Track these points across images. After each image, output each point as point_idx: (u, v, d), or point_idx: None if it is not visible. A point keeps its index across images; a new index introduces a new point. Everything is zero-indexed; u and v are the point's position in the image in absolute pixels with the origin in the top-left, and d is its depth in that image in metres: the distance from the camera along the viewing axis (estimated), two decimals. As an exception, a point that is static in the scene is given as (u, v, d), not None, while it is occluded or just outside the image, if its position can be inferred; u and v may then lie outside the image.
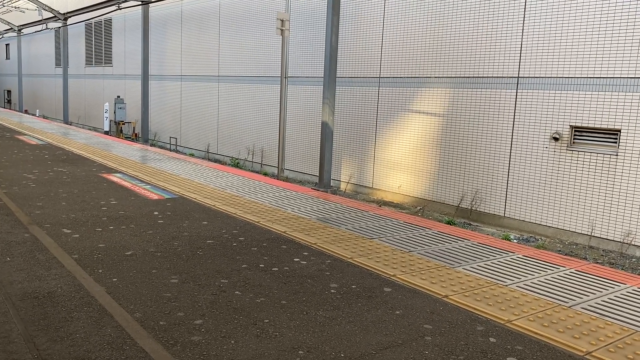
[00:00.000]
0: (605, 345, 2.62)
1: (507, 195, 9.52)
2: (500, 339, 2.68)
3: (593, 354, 2.54)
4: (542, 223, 9.04)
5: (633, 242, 8.05)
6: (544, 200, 9.00)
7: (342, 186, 12.37)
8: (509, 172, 9.49)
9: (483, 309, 3.00)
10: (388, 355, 2.48)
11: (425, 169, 10.72)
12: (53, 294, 3.04)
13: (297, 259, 3.80)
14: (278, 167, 13.02)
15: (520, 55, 9.19)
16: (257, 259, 3.77)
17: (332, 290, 3.24)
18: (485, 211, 9.82)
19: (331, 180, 11.91)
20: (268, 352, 2.47)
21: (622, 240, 8.15)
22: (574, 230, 8.68)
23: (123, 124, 19.97)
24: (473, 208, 9.97)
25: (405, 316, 2.91)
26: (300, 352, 2.48)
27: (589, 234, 8.49)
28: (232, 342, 2.56)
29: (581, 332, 2.76)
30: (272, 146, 14.37)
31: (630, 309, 3.09)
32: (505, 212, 9.58)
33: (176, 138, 18.65)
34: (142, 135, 19.34)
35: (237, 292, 3.17)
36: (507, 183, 9.50)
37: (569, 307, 3.09)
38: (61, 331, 2.60)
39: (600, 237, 8.40)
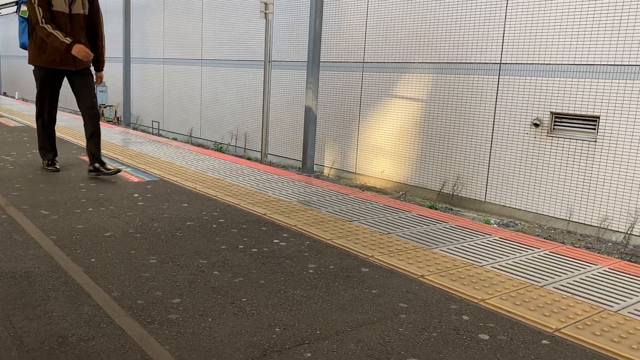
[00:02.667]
0: (574, 323, 2.70)
1: (488, 181, 9.63)
2: (473, 316, 2.74)
3: (562, 330, 2.61)
4: (522, 208, 9.17)
5: (609, 227, 8.21)
6: (524, 186, 9.13)
7: (326, 171, 12.40)
8: (490, 157, 9.59)
9: (458, 289, 3.06)
10: (363, 332, 2.53)
11: (408, 155, 10.79)
12: (30, 274, 3.03)
13: (277, 241, 3.83)
14: (261, 152, 13.01)
15: (503, 42, 9.24)
16: (237, 240, 3.79)
17: (310, 271, 3.28)
18: (467, 196, 9.93)
19: (314, 166, 11.94)
20: (245, 330, 2.50)
21: (599, 225, 8.31)
22: (552, 215, 8.83)
23: (105, 107, 19.74)
24: (454, 193, 10.07)
25: (381, 295, 2.96)
26: (276, 329, 2.52)
27: (568, 219, 8.64)
28: (210, 320, 2.58)
29: (551, 310, 2.83)
30: (256, 131, 14.34)
31: (600, 289, 3.18)
32: (486, 197, 9.70)
33: (159, 122, 18.51)
34: (124, 119, 19.15)
35: (215, 272, 3.19)
36: (488, 169, 9.61)
37: (541, 286, 3.17)
38: (38, 310, 2.60)
39: (578, 222, 8.55)
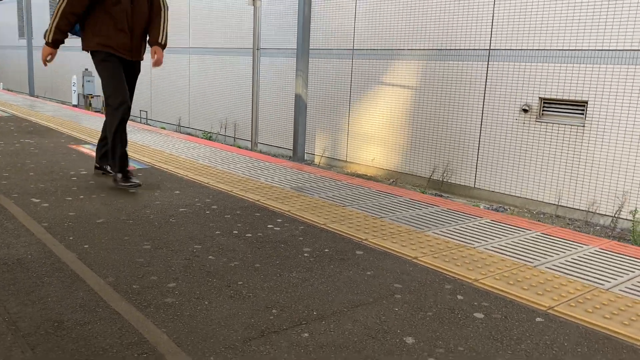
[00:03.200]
0: (567, 301, 2.73)
1: (478, 167, 9.68)
2: (468, 296, 2.76)
3: (555, 308, 2.64)
4: (511, 193, 9.24)
5: (597, 211, 8.30)
6: (513, 171, 9.19)
7: (317, 160, 12.40)
8: (479, 143, 9.63)
9: (451, 269, 3.09)
10: (359, 312, 2.55)
11: (398, 142, 10.80)
12: (22, 261, 3.01)
13: (271, 226, 3.83)
14: (251, 141, 12.97)
15: (492, 28, 9.26)
16: (231, 226, 3.79)
17: (305, 254, 3.28)
18: (456, 182, 9.98)
19: (305, 154, 11.92)
20: (242, 312, 2.50)
21: (587, 209, 8.40)
22: (541, 200, 8.90)
23: (92, 97, 19.54)
24: (444, 180, 10.12)
25: (376, 276, 2.97)
26: (273, 310, 2.53)
27: (556, 203, 8.72)
28: (206, 303, 2.58)
29: (544, 289, 2.87)
30: (245, 119, 14.27)
31: (591, 268, 3.22)
32: (476, 183, 9.75)
33: (146, 111, 18.36)
34: (112, 109, 18.96)
35: (210, 256, 3.19)
36: (478, 155, 9.65)
37: (534, 266, 3.20)
38: (32, 295, 2.59)
39: (566, 207, 8.63)
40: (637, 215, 7.73)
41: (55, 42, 4.57)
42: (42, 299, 2.56)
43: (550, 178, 8.75)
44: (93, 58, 4.72)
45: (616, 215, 8.05)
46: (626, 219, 7.99)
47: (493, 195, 9.45)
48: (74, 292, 2.65)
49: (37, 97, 23.31)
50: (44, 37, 4.54)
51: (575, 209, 8.53)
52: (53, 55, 4.64)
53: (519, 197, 9.15)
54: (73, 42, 22.62)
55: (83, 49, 4.77)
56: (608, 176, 8.14)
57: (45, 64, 4.66)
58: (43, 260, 3.03)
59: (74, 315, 2.41)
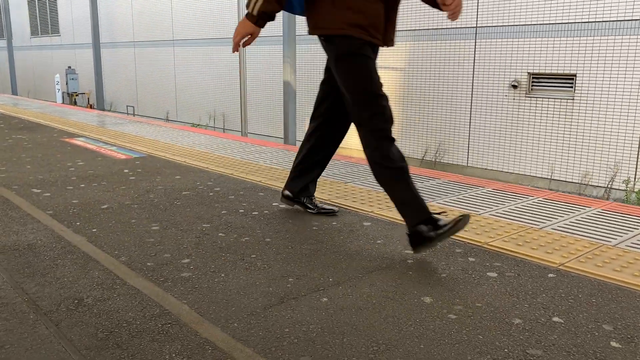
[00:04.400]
0: (576, 257, 2.78)
1: (470, 145, 9.75)
2: (479, 258, 2.81)
3: (566, 265, 2.69)
4: (504, 170, 9.32)
5: (590, 183, 8.41)
6: (505, 148, 9.27)
7: (307, 145, 12.38)
8: (470, 122, 9.69)
9: (460, 235, 3.13)
10: (375, 277, 2.58)
11: (389, 124, 10.83)
12: (33, 246, 3.00)
13: (276, 204, 3.85)
14: (241, 131, 12.93)
15: (478, 5, 9.29)
16: (236, 205, 3.80)
17: (314, 228, 3.31)
18: (449, 162, 10.04)
19: (296, 142, 11.91)
20: (259, 282, 2.52)
21: (580, 182, 8.50)
22: (534, 175, 9.00)
23: (77, 95, 19.35)
24: (437, 160, 10.18)
25: (386, 244, 3.01)
26: (290, 279, 2.55)
27: (549, 177, 8.82)
28: (222, 275, 2.60)
29: (553, 248, 2.92)
30: (234, 110, 14.22)
31: (596, 227, 3.28)
32: (468, 161, 9.83)
33: (133, 107, 18.23)
34: (98, 106, 18.81)
35: (220, 234, 3.20)
36: (469, 133, 9.72)
37: (540, 228, 3.25)
38: (48, 277, 2.59)
39: (559, 180, 8.74)
40: (629, 184, 7.85)
41: (262, 16, 2.82)
42: (59, 279, 2.56)
43: (542, 152, 8.85)
44: (333, 50, 2.95)
45: (609, 186, 8.17)
46: (619, 189, 8.11)
47: (486, 173, 9.53)
48: (89, 271, 2.65)
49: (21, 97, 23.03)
50: (247, 7, 2.84)
51: (568, 181, 8.63)
52: (254, 36, 2.91)
53: (512, 173, 9.24)
54: (55, 40, 22.31)
55: (314, 33, 2.98)
56: (599, 147, 8.24)
57: (237, 49, 2.92)
58: (53, 244, 3.03)
59: (92, 292, 2.42)
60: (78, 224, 3.41)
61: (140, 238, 3.14)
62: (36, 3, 23.03)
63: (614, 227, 3.27)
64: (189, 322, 2.15)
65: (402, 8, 9.87)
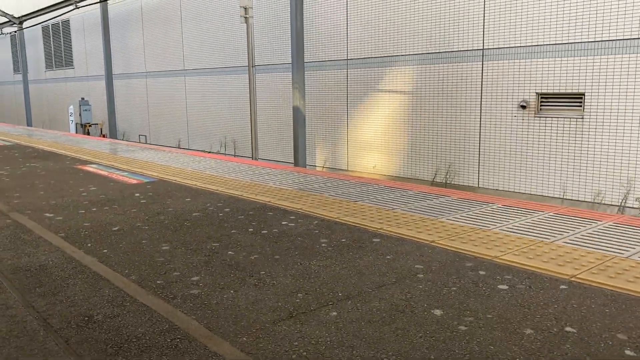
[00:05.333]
0: (589, 269, 2.75)
1: (480, 166, 9.72)
2: (490, 271, 2.78)
3: (578, 276, 2.66)
4: (516, 190, 9.27)
5: (603, 202, 8.33)
6: (516, 168, 9.23)
7: (318, 170, 12.43)
8: (480, 143, 9.69)
9: (470, 249, 3.11)
10: (384, 291, 2.56)
11: (399, 147, 10.86)
12: (45, 267, 3.02)
13: (285, 222, 3.86)
14: (252, 157, 13.01)
15: (484, 27, 9.37)
16: (246, 225, 3.81)
17: (323, 245, 3.30)
18: (460, 184, 10.01)
19: (307, 166, 11.97)
20: (268, 298, 2.52)
21: (592, 200, 8.42)
22: (546, 194, 8.93)
23: (90, 125, 19.64)
24: (447, 182, 10.15)
25: (396, 260, 2.99)
26: (299, 295, 2.54)
27: (561, 197, 8.74)
28: (232, 291, 2.60)
29: (565, 260, 2.89)
30: (245, 136, 14.34)
31: (608, 240, 3.24)
32: (479, 182, 9.79)
33: (145, 136, 18.45)
34: (110, 136, 19.06)
35: (229, 252, 3.21)
36: (479, 154, 9.71)
37: (551, 242, 3.22)
38: (59, 295, 2.61)
39: (572, 199, 8.66)
40: (643, 202, 7.75)
41: None
42: (69, 297, 2.57)
43: (553, 172, 8.80)
44: None
45: (622, 204, 8.08)
46: (632, 207, 8.02)
47: (498, 194, 9.48)
48: (99, 290, 2.66)
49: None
50: None
51: (580, 200, 8.55)
52: None
53: (523, 193, 9.18)
54: (69, 72, 22.78)
55: None
56: (611, 165, 8.18)
57: None
58: (64, 265, 3.05)
59: (102, 310, 2.43)
60: (89, 245, 3.43)
61: (151, 257, 3.15)
62: (51, 37, 23.61)
63: (626, 240, 3.23)
64: (198, 337, 2.15)
65: (409, 32, 9.89)
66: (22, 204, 4.71)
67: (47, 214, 4.30)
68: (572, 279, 2.64)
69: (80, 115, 19.70)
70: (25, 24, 24.28)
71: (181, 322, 2.29)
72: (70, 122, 20.14)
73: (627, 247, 3.10)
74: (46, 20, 22.31)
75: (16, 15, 24.52)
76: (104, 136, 19.63)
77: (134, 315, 2.36)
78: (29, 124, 24.18)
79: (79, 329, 2.24)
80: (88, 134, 19.55)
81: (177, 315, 2.35)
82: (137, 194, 5.02)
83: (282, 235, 3.54)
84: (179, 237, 3.55)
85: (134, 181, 5.70)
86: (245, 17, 11.91)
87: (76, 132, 19.73)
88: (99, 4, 18.14)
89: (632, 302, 2.36)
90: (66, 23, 22.32)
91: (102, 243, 3.47)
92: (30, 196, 5.04)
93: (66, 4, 19.70)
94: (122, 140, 19.07)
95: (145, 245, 3.39)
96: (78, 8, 19.00)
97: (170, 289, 2.65)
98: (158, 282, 2.75)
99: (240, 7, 11.83)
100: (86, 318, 2.34)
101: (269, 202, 4.52)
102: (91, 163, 7.17)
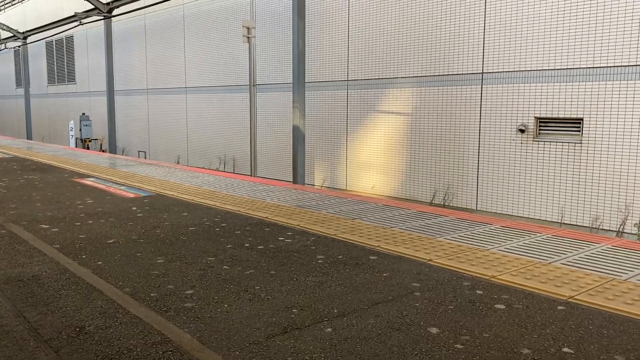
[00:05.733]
0: (587, 291, 2.73)
1: (478, 189, 9.72)
2: (487, 291, 2.76)
3: (576, 297, 2.64)
4: (514, 214, 9.25)
5: (601, 227, 8.31)
6: (514, 192, 9.23)
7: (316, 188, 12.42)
8: (478, 166, 9.70)
9: (467, 269, 3.08)
10: (380, 308, 2.53)
11: (397, 168, 10.87)
12: (38, 277, 2.99)
13: (282, 238, 3.83)
14: (251, 175, 13.00)
15: (483, 52, 9.45)
16: (242, 240, 3.79)
17: (319, 261, 3.28)
18: (458, 206, 9.99)
19: (305, 184, 11.95)
20: (262, 312, 2.49)
21: (590, 225, 8.41)
22: (544, 218, 8.91)
23: (90, 141, 19.67)
24: (446, 203, 10.14)
25: (393, 277, 2.97)
26: (294, 310, 2.51)
27: (560, 221, 8.73)
28: (226, 305, 2.57)
29: (562, 281, 2.86)
30: (244, 154, 14.36)
31: (607, 262, 3.22)
32: (477, 205, 9.78)
33: (145, 152, 18.46)
34: (110, 152, 19.06)
35: (225, 266, 3.18)
36: (478, 177, 9.71)
37: (549, 263, 3.20)
38: (51, 306, 2.57)
39: (570, 224, 8.64)
40: (641, 227, 7.73)
41: None
42: (61, 308, 2.54)
43: (551, 196, 8.79)
44: None
45: (621, 230, 8.06)
46: (631, 233, 8.00)
47: (496, 217, 9.46)
48: (92, 301, 2.63)
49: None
50: None
51: (579, 225, 8.54)
52: None
53: (521, 217, 9.16)
54: (71, 87, 22.90)
55: None
56: (609, 191, 8.18)
57: None
58: (58, 276, 3.02)
59: (94, 321, 2.40)
60: (84, 257, 3.40)
61: (145, 270, 3.12)
62: (54, 52, 23.76)
63: (626, 263, 3.22)
64: (190, 350, 2.12)
65: (409, 55, 9.98)
66: (18, 215, 4.69)
67: (43, 225, 4.27)
68: (570, 300, 2.62)
69: (80, 130, 19.74)
70: (29, 39, 24.47)
71: (174, 334, 2.25)
72: (70, 136, 20.17)
73: (625, 269, 3.08)
74: (50, 36, 22.49)
75: (21, 30, 24.72)
76: (103, 151, 19.65)
77: (126, 327, 2.32)
78: (29, 137, 24.22)
79: (69, 339, 2.21)
80: (88, 149, 19.57)
81: (169, 328, 2.31)
82: (134, 208, 5.00)
83: (279, 250, 3.52)
84: (174, 251, 3.53)
85: (132, 195, 5.69)
86: (248, 37, 12.01)
87: (76, 147, 19.75)
88: (102, 21, 18.30)
89: (630, 324, 2.33)
90: (70, 39, 22.50)
91: (97, 255, 3.44)
92: (26, 208, 5.02)
93: (70, 20, 19.88)
94: (122, 155, 19.09)
95: (140, 258, 3.36)
96: (82, 24, 19.16)
97: (163, 302, 2.62)
98: (152, 294, 2.72)
99: (243, 27, 11.94)
100: (77, 329, 2.31)
101: (266, 218, 4.50)
102: (89, 176, 7.16)
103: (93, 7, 17.91)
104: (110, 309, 2.53)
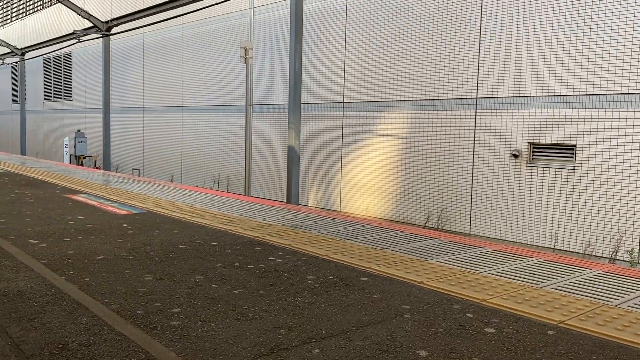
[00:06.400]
0: (577, 316, 2.71)
1: (472, 213, 9.72)
2: (477, 314, 2.73)
3: (566, 322, 2.62)
4: (507, 238, 9.24)
5: (594, 253, 8.31)
6: (507, 216, 9.23)
7: (309, 208, 12.39)
8: (472, 190, 9.72)
9: (458, 292, 3.06)
10: (369, 330, 2.50)
11: (391, 191, 10.88)
12: (23, 292, 2.95)
13: (272, 258, 3.81)
14: (245, 194, 12.97)
15: (478, 77, 9.54)
16: (232, 259, 3.76)
17: (310, 281, 3.25)
18: (451, 229, 9.98)
19: (299, 205, 11.92)
20: (249, 332, 2.45)
21: (583, 252, 8.40)
22: (537, 244, 8.91)
23: (84, 157, 19.63)
24: (439, 227, 10.13)
25: (383, 299, 2.94)
26: (282, 331, 2.48)
27: (552, 247, 8.72)
28: (213, 325, 2.53)
29: (553, 306, 2.84)
30: (238, 174, 14.35)
31: (597, 288, 3.21)
32: (471, 229, 9.77)
33: (139, 170, 18.42)
34: (104, 169, 19.01)
35: (213, 285, 3.15)
36: (471, 201, 9.72)
37: (540, 287, 3.18)
38: (35, 322, 2.53)
39: (562, 250, 8.63)
40: (634, 255, 7.74)
41: None
42: (45, 324, 2.50)
43: (545, 222, 8.80)
44: None
45: (613, 257, 8.06)
46: (623, 260, 7.99)
47: (489, 241, 9.44)
48: (77, 318, 2.59)
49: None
50: None
51: (571, 251, 8.53)
52: None
53: (514, 242, 9.15)
54: (67, 104, 22.94)
55: None
56: (602, 217, 8.20)
57: None
58: (44, 291, 2.98)
59: (78, 337, 2.35)
60: (71, 273, 3.36)
61: (133, 287, 3.08)
62: (52, 69, 23.84)
63: (616, 288, 3.20)
64: (175, 369, 2.08)
65: (405, 79, 10.06)
66: (7, 229, 4.64)
67: (32, 240, 4.23)
68: (560, 324, 2.60)
69: (75, 147, 19.71)
70: (27, 55, 24.56)
71: (158, 353, 2.22)
72: (65, 153, 20.12)
73: (616, 295, 3.07)
74: (48, 53, 22.59)
75: (19, 47, 24.82)
76: (97, 168, 19.59)
77: (110, 345, 2.28)
78: (23, 153, 24.15)
79: (52, 356, 2.17)
80: (82, 165, 19.51)
81: (154, 346, 2.28)
82: (125, 225, 4.96)
83: (269, 270, 3.49)
84: (163, 269, 3.49)
85: (123, 212, 5.65)
86: (245, 58, 12.10)
87: (70, 163, 19.69)
88: (101, 39, 18.42)
89: (620, 350, 2.31)
90: (68, 56, 22.60)
91: (84, 271, 3.40)
92: (15, 222, 4.97)
93: (69, 37, 20.00)
94: (116, 172, 19.04)
95: (128, 275, 3.32)
96: (81, 42, 19.27)
97: (150, 319, 2.58)
98: (138, 312, 2.69)
99: (241, 47, 12.04)
100: (60, 345, 2.27)
101: (257, 237, 4.47)
102: (81, 193, 7.12)
103: (92, 25, 18.04)
104: (95, 326, 2.48)
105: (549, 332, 2.51)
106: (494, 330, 2.51)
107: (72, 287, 3.06)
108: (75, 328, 2.46)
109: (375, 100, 11.08)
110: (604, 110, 8.16)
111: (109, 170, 18.96)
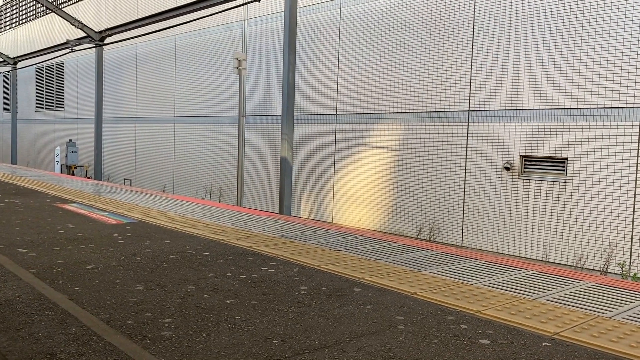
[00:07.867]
0: (571, 327, 2.69)
1: (464, 226, 9.73)
2: (471, 325, 2.71)
3: (560, 334, 2.60)
4: (498, 251, 9.24)
5: (585, 266, 8.32)
6: (499, 229, 9.24)
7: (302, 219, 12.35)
8: (464, 202, 9.73)
9: (452, 303, 3.04)
10: (363, 341, 2.48)
11: (384, 202, 10.87)
12: (11, 302, 2.90)
13: (265, 268, 3.77)
14: (237, 205, 12.92)
15: (470, 90, 9.60)
16: (224, 269, 3.72)
17: (302, 292, 3.22)
18: (444, 241, 9.97)
19: (291, 216, 11.88)
20: (242, 343, 2.42)
21: (574, 264, 8.41)
22: (529, 256, 8.91)
23: (75, 167, 19.51)
24: (431, 239, 10.12)
25: (376, 310, 2.92)
26: (274, 341, 2.45)
27: (544, 259, 8.73)
28: (204, 335, 2.50)
29: (547, 318, 2.83)
30: (230, 185, 14.30)
31: (591, 299, 3.20)
32: (463, 241, 9.76)
33: (130, 180, 18.33)
34: (96, 178, 18.89)
35: (205, 295, 3.11)
36: (463, 214, 9.73)
37: (534, 299, 3.17)
38: (22, 332, 2.48)
39: (554, 262, 8.64)
40: (625, 268, 7.76)
41: None
42: (33, 334, 2.45)
43: (536, 235, 8.82)
44: None
45: (605, 269, 8.07)
46: (614, 273, 8.01)
47: (481, 253, 9.44)
48: (65, 328, 2.54)
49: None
50: None
51: (563, 264, 8.54)
52: None
53: (506, 254, 9.15)
54: (59, 114, 22.84)
55: None
56: (593, 230, 8.22)
57: None
58: (32, 301, 2.93)
59: (66, 348, 2.31)
60: (60, 282, 3.31)
61: (123, 297, 3.04)
62: (44, 78, 23.75)
63: (610, 300, 3.20)
64: (165, 380, 2.04)
65: (397, 91, 10.10)
66: (-4, 238, 4.58)
67: (21, 250, 4.17)
68: (555, 336, 2.58)
69: (66, 156, 19.59)
70: (19, 65, 24.47)
71: (148, 364, 2.18)
72: (56, 162, 19.99)
73: (610, 307, 3.06)
74: (41, 62, 22.52)
75: (11, 56, 24.73)
76: (88, 178, 19.47)
77: (99, 355, 2.24)
78: (14, 162, 23.98)
79: (39, 366, 2.12)
80: (73, 175, 19.39)
81: (144, 357, 2.24)
82: (116, 234, 4.91)
83: (261, 280, 3.45)
84: (154, 278, 3.45)
85: (114, 221, 5.60)
86: (239, 69, 12.11)
87: (61, 173, 19.56)
88: (94, 49, 18.39)
89: (616, 362, 2.30)
90: (60, 65, 22.54)
91: (74, 281, 3.35)
92: (4, 231, 4.91)
93: (62, 47, 19.95)
94: (107, 182, 18.93)
95: (118, 285, 3.28)
96: (74, 51, 19.22)
97: (140, 330, 2.54)
98: (128, 322, 2.64)
99: (235, 58, 12.05)
100: (48, 356, 2.22)
101: (249, 247, 4.44)
102: (72, 202, 7.06)
103: (85, 35, 18.02)
104: (84, 336, 2.44)
105: (544, 343, 2.49)
106: (489, 342, 2.49)
107: (61, 297, 3.01)
108: (63, 338, 2.41)
109: (368, 112, 11.11)
110: (594, 123, 8.21)
111: (101, 180, 18.84)
